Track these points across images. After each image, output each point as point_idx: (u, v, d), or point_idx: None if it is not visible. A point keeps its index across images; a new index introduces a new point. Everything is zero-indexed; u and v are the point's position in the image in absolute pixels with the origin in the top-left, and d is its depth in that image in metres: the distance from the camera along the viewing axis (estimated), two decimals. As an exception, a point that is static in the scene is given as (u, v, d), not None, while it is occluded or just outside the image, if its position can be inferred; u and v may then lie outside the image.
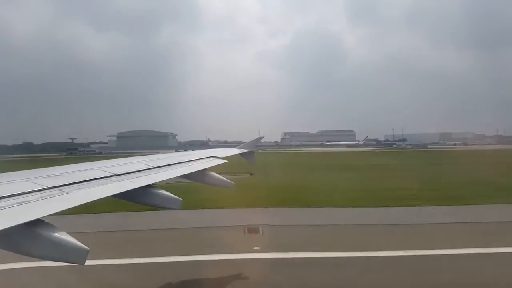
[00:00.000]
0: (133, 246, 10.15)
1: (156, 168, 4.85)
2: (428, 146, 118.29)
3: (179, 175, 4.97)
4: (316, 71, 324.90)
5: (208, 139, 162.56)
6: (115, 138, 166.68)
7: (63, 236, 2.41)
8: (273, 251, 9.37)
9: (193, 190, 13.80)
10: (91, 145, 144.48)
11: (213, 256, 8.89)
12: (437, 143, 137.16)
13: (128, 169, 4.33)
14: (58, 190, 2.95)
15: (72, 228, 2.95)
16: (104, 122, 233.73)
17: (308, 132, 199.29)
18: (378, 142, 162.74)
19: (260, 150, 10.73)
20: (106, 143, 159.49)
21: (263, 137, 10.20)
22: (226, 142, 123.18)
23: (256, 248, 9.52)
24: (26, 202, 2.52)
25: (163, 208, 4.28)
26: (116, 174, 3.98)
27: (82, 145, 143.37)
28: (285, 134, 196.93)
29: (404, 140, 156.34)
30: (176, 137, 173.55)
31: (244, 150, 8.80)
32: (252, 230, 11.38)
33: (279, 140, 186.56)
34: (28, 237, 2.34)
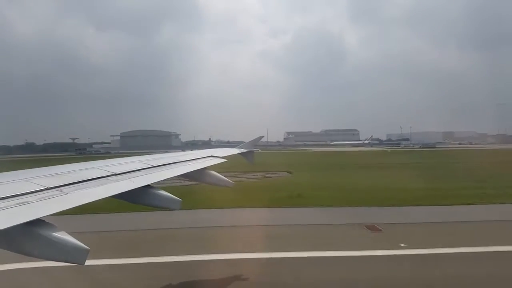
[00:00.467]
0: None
1: (156, 167, 4.85)
2: (436, 146, 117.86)
3: (179, 174, 4.98)
4: (316, 70, 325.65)
5: (210, 139, 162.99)
6: (118, 138, 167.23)
7: (63, 236, 2.42)
8: (420, 247, 9.36)
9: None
10: (93, 145, 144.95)
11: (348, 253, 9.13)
12: (442, 142, 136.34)
13: (127, 169, 4.34)
14: (58, 190, 2.96)
15: (72, 228, 2.95)
16: (105, 122, 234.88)
17: (311, 132, 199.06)
18: (380, 142, 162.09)
19: (260, 150, 10.76)
20: (109, 143, 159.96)
21: (262, 136, 10.19)
22: (228, 142, 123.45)
23: (402, 245, 9.58)
24: (26, 203, 2.53)
25: (166, 209, 4.27)
26: (116, 173, 3.98)
27: (84, 145, 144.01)
28: (288, 133, 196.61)
29: (406, 139, 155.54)
30: (179, 136, 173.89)
31: (243, 150, 8.83)
32: (372, 227, 11.50)
33: (281, 140, 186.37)
34: (28, 237, 2.36)
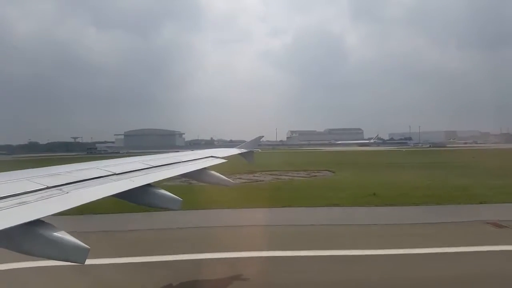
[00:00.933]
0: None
1: (156, 167, 4.87)
2: (446, 145, 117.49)
3: (179, 174, 5.01)
4: (318, 70, 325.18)
5: (211, 138, 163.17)
6: (122, 137, 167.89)
7: (63, 235, 2.43)
8: None
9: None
10: (96, 144, 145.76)
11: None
12: (449, 142, 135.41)
13: (128, 168, 4.36)
14: (58, 189, 2.97)
15: (73, 227, 3.02)
16: (107, 121, 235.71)
17: (315, 131, 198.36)
18: (383, 141, 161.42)
19: (260, 150, 10.75)
20: (113, 142, 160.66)
21: (262, 136, 10.17)
22: (231, 141, 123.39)
23: None
24: (26, 202, 2.54)
25: (166, 209, 4.28)
26: (116, 173, 3.99)
27: (87, 144, 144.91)
28: (292, 132, 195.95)
29: (409, 138, 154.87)
30: (183, 136, 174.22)
31: (243, 150, 8.81)
32: (496, 224, 11.47)
33: (284, 139, 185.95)
34: (28, 236, 2.36)
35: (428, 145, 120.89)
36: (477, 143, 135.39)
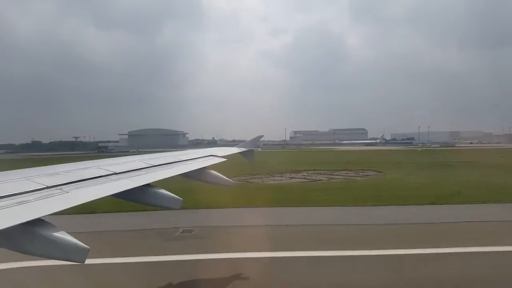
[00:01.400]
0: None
1: (156, 167, 4.85)
2: (456, 145, 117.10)
3: (178, 173, 4.97)
4: (319, 70, 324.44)
5: (213, 138, 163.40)
6: (126, 136, 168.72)
7: (63, 235, 2.42)
8: None
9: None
10: (98, 144, 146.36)
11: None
12: (457, 142, 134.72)
13: (128, 168, 4.33)
14: (58, 189, 2.96)
15: (72, 227, 2.99)
16: (108, 121, 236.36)
17: (317, 131, 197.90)
18: (386, 141, 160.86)
19: (260, 149, 10.78)
20: (117, 141, 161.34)
21: (262, 136, 10.16)
22: (234, 140, 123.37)
23: None
24: (26, 201, 2.53)
25: (166, 208, 4.29)
26: (116, 172, 3.97)
27: (89, 144, 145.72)
28: (295, 132, 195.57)
29: (412, 138, 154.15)
30: (186, 135, 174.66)
31: (243, 149, 8.79)
32: None
33: (286, 139, 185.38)
34: (28, 236, 2.35)
35: (438, 145, 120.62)
36: (482, 143, 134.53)
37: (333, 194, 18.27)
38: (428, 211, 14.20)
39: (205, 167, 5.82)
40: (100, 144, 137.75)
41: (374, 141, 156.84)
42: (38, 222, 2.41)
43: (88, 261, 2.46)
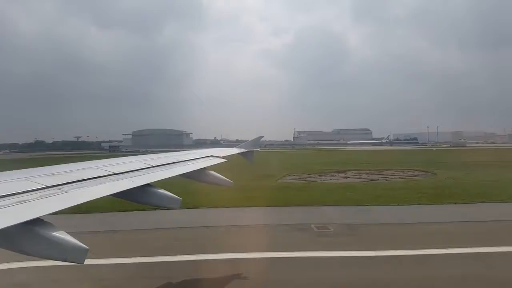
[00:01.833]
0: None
1: (156, 167, 4.87)
2: (466, 145, 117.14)
3: (178, 174, 4.99)
4: (320, 70, 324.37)
5: (215, 138, 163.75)
6: (130, 136, 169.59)
7: (62, 235, 2.43)
8: None
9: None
10: (101, 144, 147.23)
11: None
12: (462, 142, 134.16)
13: (127, 168, 4.36)
14: (57, 189, 2.96)
15: (72, 227, 3.02)
16: (108, 121, 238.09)
17: (321, 131, 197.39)
18: (390, 141, 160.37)
19: (260, 150, 10.77)
20: (121, 141, 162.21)
21: (262, 136, 10.16)
22: (237, 140, 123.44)
23: None
24: (25, 201, 2.53)
25: (166, 208, 4.33)
26: (116, 172, 3.99)
27: (91, 143, 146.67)
28: (299, 132, 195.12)
29: (415, 138, 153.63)
30: (190, 135, 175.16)
31: (243, 150, 8.77)
32: None
33: (289, 139, 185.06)
34: (27, 236, 2.36)
35: (448, 145, 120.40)
36: (487, 143, 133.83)
37: (423, 192, 17.52)
38: None
39: (204, 168, 5.84)
40: (111, 144, 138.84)
41: (380, 141, 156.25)
42: (37, 222, 2.41)
43: (88, 261, 2.46)
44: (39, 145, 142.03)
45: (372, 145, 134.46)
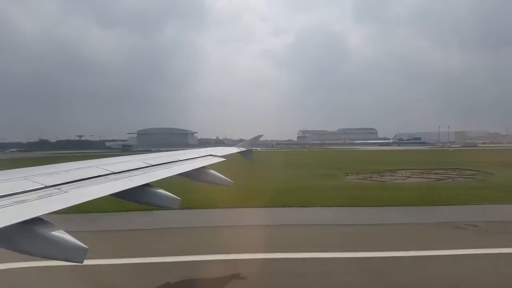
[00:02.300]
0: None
1: (155, 166, 4.88)
2: (478, 145, 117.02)
3: (177, 173, 4.99)
4: (321, 70, 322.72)
5: (217, 137, 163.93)
6: (135, 135, 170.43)
7: (62, 234, 2.42)
8: None
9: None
10: (105, 143, 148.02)
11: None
12: (472, 142, 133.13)
13: (126, 167, 4.36)
14: (56, 188, 2.96)
15: (71, 227, 2.99)
16: (110, 120, 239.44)
17: (326, 130, 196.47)
18: (394, 142, 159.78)
19: (259, 149, 10.77)
20: (126, 140, 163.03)
21: (261, 135, 10.17)
22: (240, 139, 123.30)
23: None
24: (25, 201, 2.53)
25: (165, 208, 4.31)
26: (115, 172, 3.99)
27: (95, 142, 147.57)
28: (304, 132, 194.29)
29: (418, 138, 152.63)
30: (195, 134, 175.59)
31: (242, 149, 8.78)
32: None
33: (292, 139, 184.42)
34: (26, 235, 2.35)
35: (459, 145, 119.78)
36: (494, 143, 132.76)
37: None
38: None
39: (203, 167, 5.84)
40: (124, 143, 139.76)
41: (387, 141, 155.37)
42: (36, 221, 2.41)
43: (87, 261, 2.46)
44: (43, 144, 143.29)
45: (379, 145, 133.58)
